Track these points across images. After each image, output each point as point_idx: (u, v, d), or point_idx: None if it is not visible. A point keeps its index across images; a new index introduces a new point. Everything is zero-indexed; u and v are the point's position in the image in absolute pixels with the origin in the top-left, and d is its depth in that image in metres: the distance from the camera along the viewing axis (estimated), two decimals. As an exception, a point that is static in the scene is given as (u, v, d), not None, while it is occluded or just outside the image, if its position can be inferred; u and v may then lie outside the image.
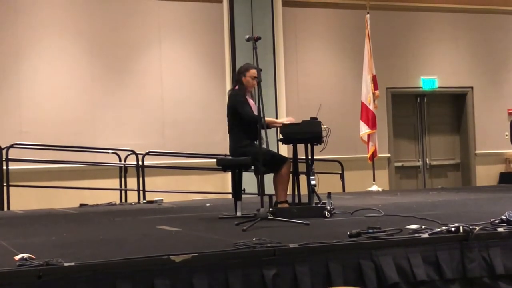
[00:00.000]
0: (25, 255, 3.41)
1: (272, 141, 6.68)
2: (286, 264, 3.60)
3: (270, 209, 5.47)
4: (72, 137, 10.63)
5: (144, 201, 9.90)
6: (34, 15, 10.77)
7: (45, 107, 10.69)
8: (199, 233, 5.10)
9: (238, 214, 6.16)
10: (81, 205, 9.52)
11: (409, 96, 13.30)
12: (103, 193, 10.24)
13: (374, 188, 11.25)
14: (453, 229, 4.00)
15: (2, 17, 10.64)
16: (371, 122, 11.19)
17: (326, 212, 5.82)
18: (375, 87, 11.33)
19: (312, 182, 6.02)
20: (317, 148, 6.24)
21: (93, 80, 11.01)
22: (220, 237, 4.64)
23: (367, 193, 10.56)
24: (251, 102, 6.29)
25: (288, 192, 6.21)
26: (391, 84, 12.82)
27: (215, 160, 6.69)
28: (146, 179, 10.36)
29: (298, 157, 6.23)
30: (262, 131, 5.50)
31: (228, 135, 6.43)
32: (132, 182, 10.43)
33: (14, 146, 9.76)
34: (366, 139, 11.24)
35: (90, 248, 4.15)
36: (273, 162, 6.09)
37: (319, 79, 12.34)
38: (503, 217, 4.35)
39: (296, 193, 6.25)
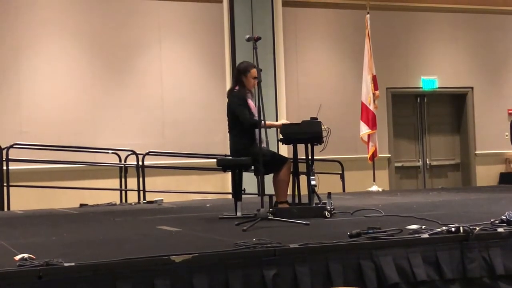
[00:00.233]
0: (25, 255, 3.41)
1: (272, 141, 6.68)
2: (286, 264, 3.60)
3: (270, 209, 5.47)
4: (72, 137, 10.63)
5: (144, 201, 9.90)
6: (34, 15, 10.77)
7: (45, 107, 10.69)
8: (199, 233, 5.10)
9: (238, 214, 6.15)
10: (81, 205, 9.51)
11: (409, 96, 13.30)
12: (103, 193, 10.25)
13: (374, 188, 11.25)
14: (453, 229, 4.00)
15: (2, 17, 10.64)
16: (371, 122, 11.19)
17: (326, 212, 5.81)
18: (375, 87, 11.33)
19: (312, 182, 6.02)
20: (317, 148, 6.24)
21: (93, 80, 11.02)
22: (220, 237, 4.64)
23: (367, 193, 10.55)
24: (251, 103, 6.27)
25: (288, 192, 6.20)
26: (391, 84, 12.83)
27: (215, 160, 6.69)
28: (146, 179, 10.36)
29: (298, 157, 6.23)
30: (262, 132, 5.49)
31: (228, 135, 6.42)
32: (132, 182, 10.43)
33: (14, 146, 9.76)
34: (366, 139, 11.24)
35: (90, 248, 4.15)
36: (273, 163, 6.08)
37: (319, 79, 12.35)
38: (503, 217, 4.35)
39: (296, 193, 6.25)
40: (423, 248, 3.88)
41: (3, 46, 10.61)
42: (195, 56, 11.64)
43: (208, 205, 8.63)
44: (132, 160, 10.46)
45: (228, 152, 6.53)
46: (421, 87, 13.16)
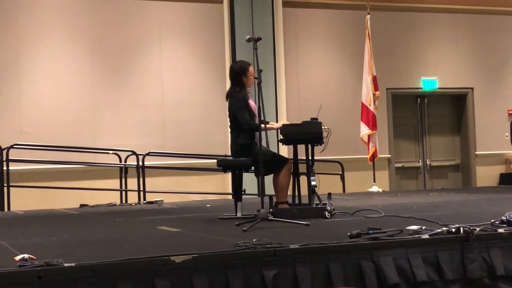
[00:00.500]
0: (26, 255, 3.41)
1: (273, 142, 6.68)
2: (286, 264, 3.60)
3: (271, 209, 5.47)
4: (72, 137, 10.63)
5: (145, 201, 9.90)
6: (34, 15, 10.77)
7: (46, 107, 10.69)
8: (199, 234, 5.10)
9: (239, 214, 6.16)
10: (82, 205, 9.52)
11: (409, 97, 13.30)
12: (103, 193, 10.24)
13: (375, 189, 11.24)
14: (453, 230, 4.00)
15: (2, 17, 10.64)
16: (372, 122, 11.18)
17: (326, 213, 5.82)
18: (376, 87, 11.32)
19: (313, 183, 6.02)
20: (317, 148, 6.24)
21: (93, 80, 11.01)
22: (220, 237, 4.64)
23: (368, 193, 10.55)
24: (251, 103, 6.27)
25: (288, 193, 6.20)
26: (392, 84, 12.82)
27: (215, 160, 6.69)
28: (147, 179, 10.36)
29: (299, 157, 6.24)
30: (262, 133, 5.49)
31: (230, 135, 6.43)
32: (132, 183, 10.43)
33: (14, 146, 9.76)
34: (366, 139, 11.23)
35: (91, 249, 4.16)
36: (273, 163, 6.08)
37: (319, 80, 12.35)
38: (503, 218, 4.36)
39: (296, 193, 6.25)
40: (423, 248, 3.88)
41: (4, 46, 10.61)
42: (195, 56, 11.64)
43: (208, 205, 8.63)
44: (132, 161, 10.46)
45: (229, 153, 6.53)
46: (421, 88, 13.16)
